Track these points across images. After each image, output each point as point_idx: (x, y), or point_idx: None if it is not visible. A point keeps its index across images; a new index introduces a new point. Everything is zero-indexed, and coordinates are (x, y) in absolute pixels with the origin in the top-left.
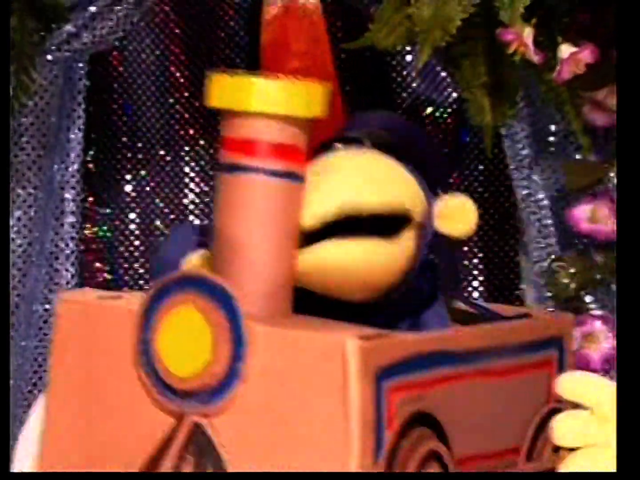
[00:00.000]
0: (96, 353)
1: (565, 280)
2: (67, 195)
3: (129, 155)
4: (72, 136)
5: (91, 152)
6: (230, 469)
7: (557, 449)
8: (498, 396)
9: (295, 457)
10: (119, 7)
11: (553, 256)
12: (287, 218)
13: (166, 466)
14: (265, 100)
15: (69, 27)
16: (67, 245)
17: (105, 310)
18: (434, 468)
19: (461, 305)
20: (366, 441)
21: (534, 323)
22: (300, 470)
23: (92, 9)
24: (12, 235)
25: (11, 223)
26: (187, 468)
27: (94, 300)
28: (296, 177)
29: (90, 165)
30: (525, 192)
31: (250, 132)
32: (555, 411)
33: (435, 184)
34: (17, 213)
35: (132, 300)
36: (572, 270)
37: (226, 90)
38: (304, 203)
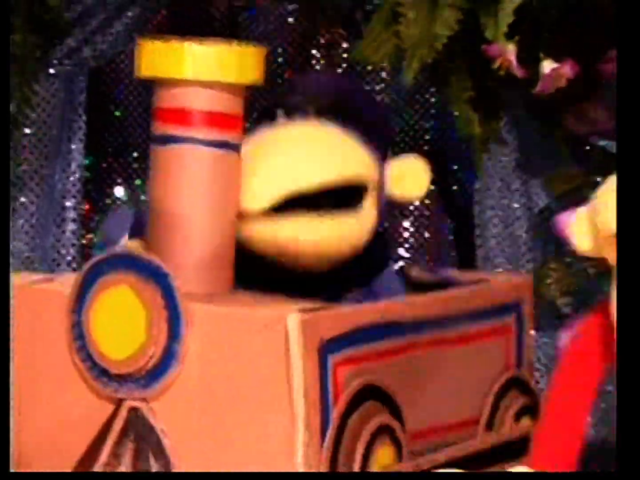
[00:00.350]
0: (32, 338)
1: (553, 286)
2: (68, 204)
3: (124, 164)
4: (73, 146)
5: (87, 162)
6: (172, 453)
7: (518, 418)
8: (453, 366)
9: (239, 439)
10: (118, 23)
11: (541, 262)
12: (224, 189)
13: (105, 452)
14: (198, 66)
15: (70, 42)
16: (68, 251)
17: (36, 294)
18: (385, 443)
19: (418, 272)
20: (312, 419)
21: (489, 289)
22: (244, 452)
23: (93, 24)
24: (14, 243)
25: (14, 230)
26: (127, 454)
27: (26, 284)
28: (232, 147)
29: (87, 174)
30: (512, 201)
31: (183, 101)
32: (514, 379)
33: (381, 145)
34: (20, 221)
35: (64, 283)
36: (559, 276)
37: (157, 57)
38: (248, 182)
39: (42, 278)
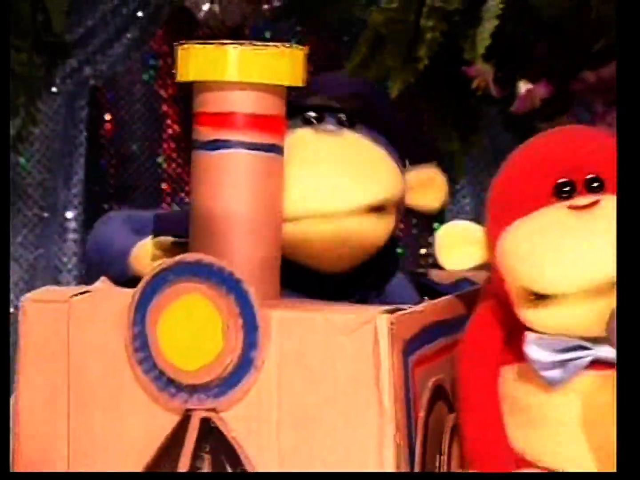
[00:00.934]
0: (73, 354)
1: None
2: (70, 215)
3: (124, 177)
4: (75, 160)
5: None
6: (246, 461)
7: None
8: None
9: (324, 441)
10: (118, 44)
11: None
12: (273, 192)
13: (183, 466)
14: (243, 69)
15: (72, 62)
16: (69, 260)
17: (78, 308)
18: (458, 441)
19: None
20: (400, 420)
21: None
22: (330, 455)
23: (94, 45)
24: (20, 252)
25: (18, 240)
26: (205, 466)
27: (65, 299)
28: (278, 150)
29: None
30: None
31: (229, 105)
32: None
33: (402, 153)
34: (24, 231)
35: (104, 295)
36: None
37: (201, 61)
38: (286, 189)
39: (77, 290)
